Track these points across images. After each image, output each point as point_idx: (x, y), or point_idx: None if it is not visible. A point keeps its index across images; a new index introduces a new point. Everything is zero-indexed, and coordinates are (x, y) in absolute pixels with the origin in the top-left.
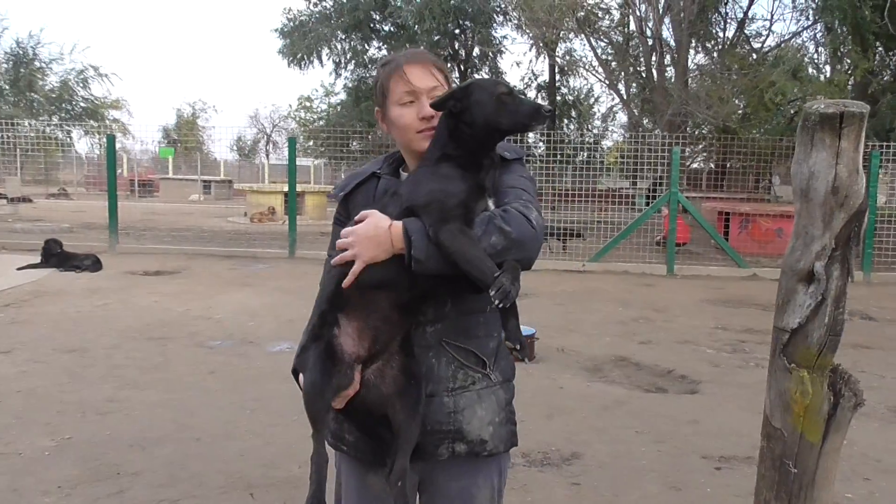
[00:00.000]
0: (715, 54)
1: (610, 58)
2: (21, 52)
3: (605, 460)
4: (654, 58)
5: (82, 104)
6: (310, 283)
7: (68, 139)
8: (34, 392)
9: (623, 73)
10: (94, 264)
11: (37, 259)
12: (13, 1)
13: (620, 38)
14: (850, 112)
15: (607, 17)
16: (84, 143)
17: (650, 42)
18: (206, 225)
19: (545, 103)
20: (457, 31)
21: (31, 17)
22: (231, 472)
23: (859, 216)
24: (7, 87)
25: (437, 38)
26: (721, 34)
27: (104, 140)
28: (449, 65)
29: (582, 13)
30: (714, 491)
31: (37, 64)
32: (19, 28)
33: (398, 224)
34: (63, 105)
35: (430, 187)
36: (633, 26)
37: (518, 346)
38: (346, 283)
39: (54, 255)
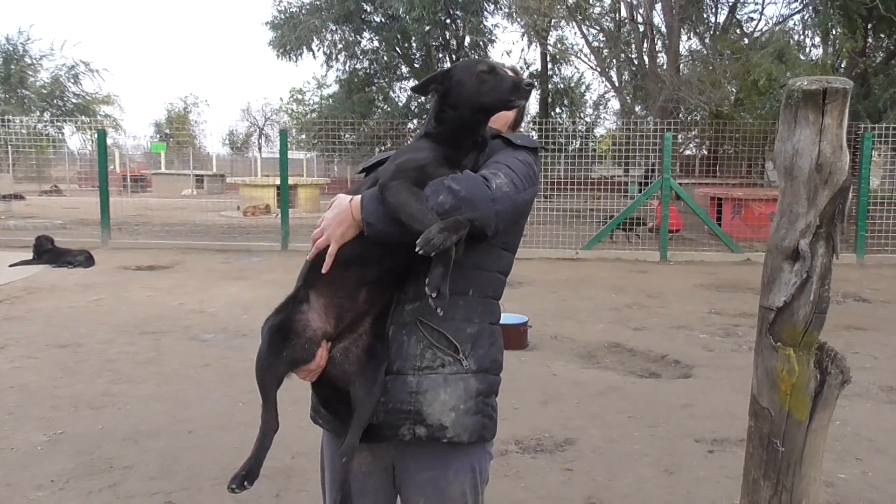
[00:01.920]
0: (707, 39)
1: (601, 45)
2: (11, 49)
3: (599, 445)
4: (645, 44)
5: (74, 100)
6: None
7: (60, 135)
8: (27, 387)
9: (615, 60)
10: (87, 260)
11: (29, 256)
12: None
13: (612, 25)
14: (833, 88)
15: (598, 3)
16: (76, 140)
17: (641, 28)
18: (199, 219)
19: (527, 78)
20: (447, 20)
21: (19, 14)
22: (225, 464)
23: (843, 193)
24: None
25: (427, 27)
26: (713, 19)
27: (92, 135)
28: (440, 55)
29: (573, 0)
30: (707, 473)
31: (27, 60)
32: (8, 25)
33: (358, 197)
34: (54, 101)
35: (398, 159)
36: (624, 13)
37: (434, 294)
38: (325, 268)
39: (46, 252)
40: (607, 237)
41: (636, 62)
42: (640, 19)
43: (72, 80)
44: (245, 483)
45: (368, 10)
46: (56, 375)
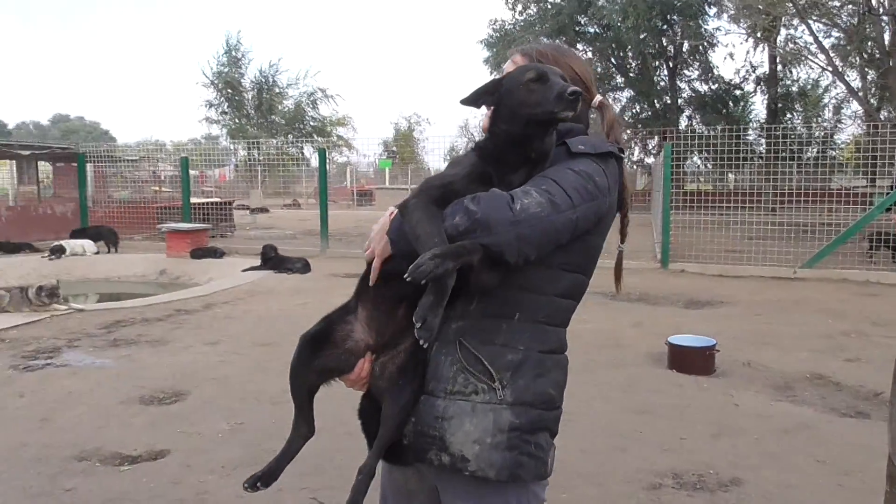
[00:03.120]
0: None
1: (840, 41)
2: (263, 80)
3: (770, 490)
4: (886, 36)
5: (312, 123)
6: None
7: (301, 154)
8: (226, 380)
9: (857, 58)
10: (304, 267)
11: (258, 262)
12: (256, 35)
13: (850, 19)
14: None
15: None
16: (315, 159)
17: (885, 18)
18: None
19: (571, 86)
20: (664, 26)
21: (271, 48)
22: None
23: None
24: (252, 112)
25: (643, 35)
26: None
27: (330, 155)
28: (657, 62)
29: None
30: None
31: (276, 90)
32: (262, 59)
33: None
34: (296, 125)
35: (433, 175)
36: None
37: (419, 324)
38: (371, 279)
39: (270, 259)
40: (836, 253)
41: (879, 56)
42: (881, 10)
43: (310, 106)
44: (259, 484)
45: (582, 21)
46: (251, 371)
